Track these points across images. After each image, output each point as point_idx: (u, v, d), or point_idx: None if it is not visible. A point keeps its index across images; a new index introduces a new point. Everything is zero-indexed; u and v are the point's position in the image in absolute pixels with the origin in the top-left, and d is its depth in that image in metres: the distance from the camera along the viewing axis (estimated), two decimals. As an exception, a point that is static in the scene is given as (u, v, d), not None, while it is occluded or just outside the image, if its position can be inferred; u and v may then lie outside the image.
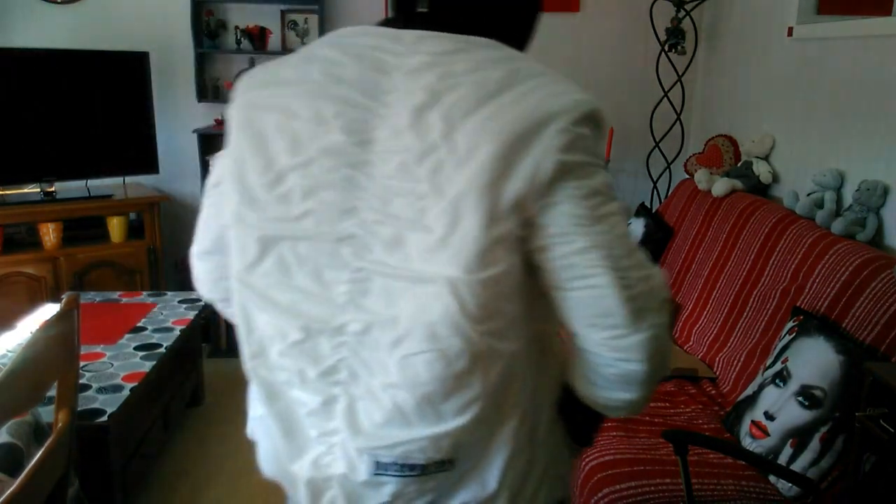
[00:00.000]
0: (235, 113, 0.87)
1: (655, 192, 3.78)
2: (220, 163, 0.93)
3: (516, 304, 0.82)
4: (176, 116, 3.61)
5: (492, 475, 0.87)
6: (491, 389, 0.82)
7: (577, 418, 0.99)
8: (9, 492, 1.14)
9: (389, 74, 0.81)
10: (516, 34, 0.89)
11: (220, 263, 0.97)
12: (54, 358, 1.36)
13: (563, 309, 0.84)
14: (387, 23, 0.88)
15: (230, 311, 1.03)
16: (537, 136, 0.75)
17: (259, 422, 0.93)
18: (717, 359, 2.42)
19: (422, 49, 0.81)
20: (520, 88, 0.77)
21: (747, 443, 1.91)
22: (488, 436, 0.86)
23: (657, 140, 3.67)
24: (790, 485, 1.74)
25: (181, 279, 3.75)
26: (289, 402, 0.88)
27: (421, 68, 0.80)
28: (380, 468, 0.83)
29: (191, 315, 2.82)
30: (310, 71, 0.84)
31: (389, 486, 0.84)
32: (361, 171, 0.80)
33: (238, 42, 3.47)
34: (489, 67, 0.79)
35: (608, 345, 0.82)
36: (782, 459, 1.80)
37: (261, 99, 0.86)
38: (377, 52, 0.82)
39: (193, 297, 3.04)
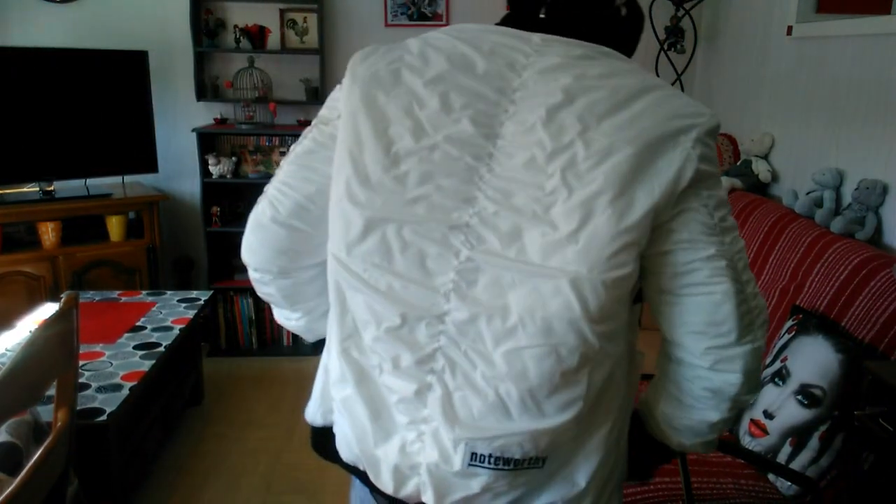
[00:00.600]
0: (357, 88, 0.87)
1: (655, 190, 3.79)
2: (320, 131, 0.93)
3: (626, 309, 0.84)
4: (175, 115, 3.61)
5: (581, 475, 0.88)
6: (594, 391, 0.83)
7: (638, 447, 1.01)
8: (8, 491, 1.14)
9: (519, 73, 0.83)
10: (625, 47, 0.91)
11: (296, 234, 0.94)
12: (53, 357, 1.36)
13: (671, 314, 0.85)
14: (505, 24, 0.91)
15: (277, 286, 1.00)
16: (675, 143, 0.78)
17: (343, 404, 0.90)
18: (717, 357, 2.42)
19: (552, 51, 0.84)
20: (653, 96, 0.80)
21: (746, 441, 1.91)
22: (582, 437, 0.86)
23: (656, 139, 3.67)
24: (789, 483, 1.75)
25: (180, 278, 3.75)
26: (379, 386, 0.87)
27: (554, 69, 0.82)
28: (475, 459, 0.83)
29: (190, 314, 2.82)
30: (435, 59, 0.85)
31: (481, 479, 0.84)
32: (484, 162, 0.82)
33: (237, 41, 3.47)
34: (622, 74, 0.82)
35: (712, 354, 0.84)
36: (781, 458, 1.80)
37: (385, 78, 0.86)
38: (508, 49, 0.85)
39: (193, 296, 3.03)
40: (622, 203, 0.77)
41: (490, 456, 0.82)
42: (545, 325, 0.77)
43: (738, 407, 0.89)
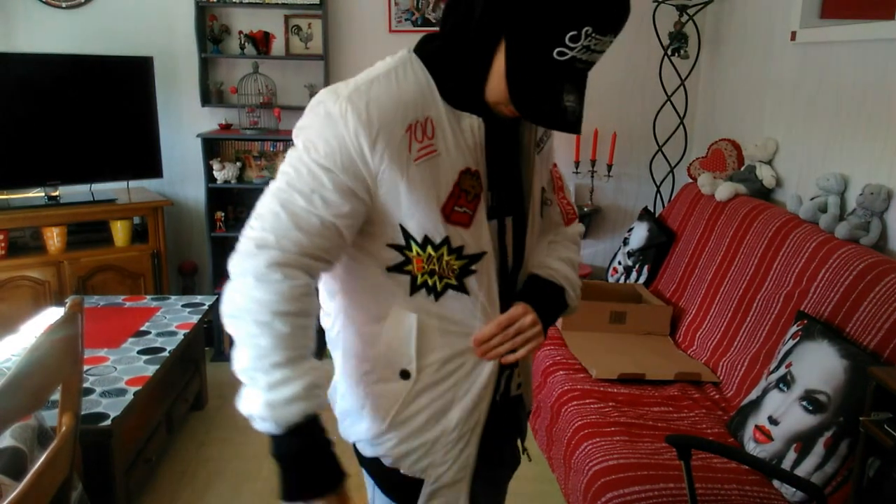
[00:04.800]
0: None
1: (659, 196, 3.78)
2: None
3: None
4: (180, 121, 3.62)
5: None
6: None
7: None
8: (12, 495, 1.14)
9: None
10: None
11: None
12: (58, 362, 1.36)
13: None
14: None
15: None
16: None
17: None
18: (721, 363, 2.41)
19: None
20: None
21: (751, 447, 1.90)
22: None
23: (660, 144, 3.67)
24: (794, 490, 1.74)
25: (185, 283, 3.76)
26: None
27: None
28: None
29: (194, 319, 2.82)
30: None
31: None
32: None
33: (242, 47, 3.49)
34: None
35: None
36: (786, 464, 1.79)
37: None
38: None
39: (197, 301, 3.04)
40: None
41: None
42: None
43: None
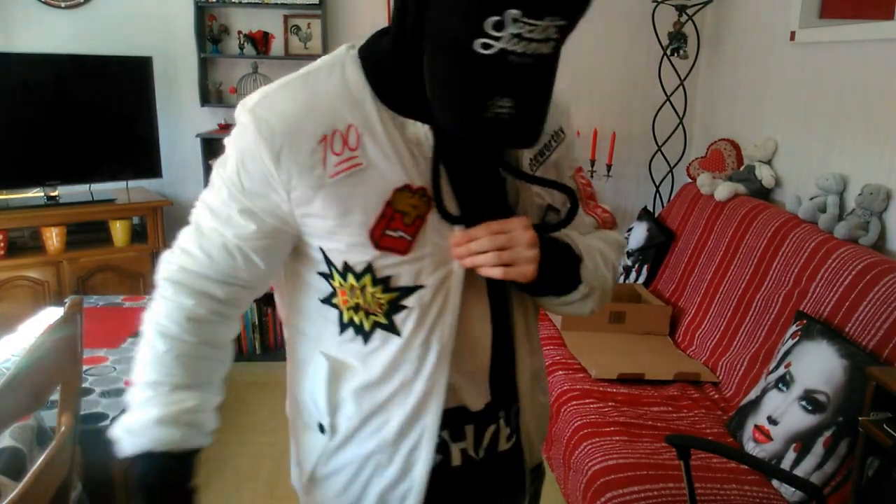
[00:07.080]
0: None
1: (658, 196, 3.78)
2: None
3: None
4: (179, 121, 3.62)
5: None
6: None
7: None
8: (11, 496, 1.14)
9: None
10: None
11: None
12: (57, 362, 1.36)
13: None
14: None
15: None
16: None
17: None
18: (720, 363, 2.41)
19: None
20: None
21: (750, 447, 1.90)
22: None
23: (660, 144, 3.67)
24: (794, 489, 1.74)
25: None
26: None
27: None
28: None
29: (193, 319, 2.82)
30: None
31: None
32: None
33: (241, 47, 3.49)
34: None
35: None
36: (785, 464, 1.79)
37: None
38: None
39: (196, 301, 3.03)
40: None
41: None
42: None
43: None
